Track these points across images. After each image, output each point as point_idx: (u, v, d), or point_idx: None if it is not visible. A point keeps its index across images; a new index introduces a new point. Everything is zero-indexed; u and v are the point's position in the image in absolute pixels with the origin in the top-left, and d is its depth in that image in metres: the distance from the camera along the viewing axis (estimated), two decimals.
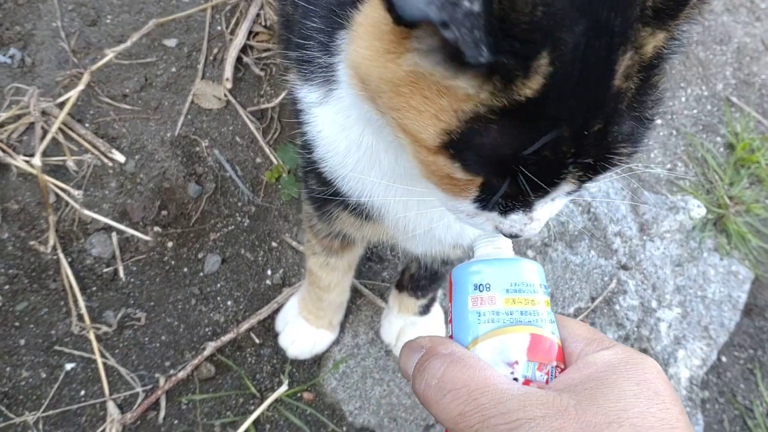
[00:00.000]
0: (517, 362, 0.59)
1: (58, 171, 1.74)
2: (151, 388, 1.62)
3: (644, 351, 1.82)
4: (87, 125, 1.79)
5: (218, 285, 1.74)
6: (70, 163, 1.73)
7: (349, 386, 1.67)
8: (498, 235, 0.75)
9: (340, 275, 1.47)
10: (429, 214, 0.99)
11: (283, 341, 1.66)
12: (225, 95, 1.87)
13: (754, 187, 2.15)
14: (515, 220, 0.73)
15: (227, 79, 1.85)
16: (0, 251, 1.67)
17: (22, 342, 1.62)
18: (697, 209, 2.01)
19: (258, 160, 1.86)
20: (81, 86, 1.74)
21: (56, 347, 1.62)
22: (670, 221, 1.99)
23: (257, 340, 1.69)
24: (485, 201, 0.71)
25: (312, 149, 0.97)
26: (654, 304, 1.89)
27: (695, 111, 2.23)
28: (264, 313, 1.71)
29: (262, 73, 1.92)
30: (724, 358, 1.92)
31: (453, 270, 0.67)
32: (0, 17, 1.85)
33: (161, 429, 1.59)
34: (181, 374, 1.61)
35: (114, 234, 1.72)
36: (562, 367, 0.61)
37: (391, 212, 1.01)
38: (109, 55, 1.77)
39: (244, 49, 1.92)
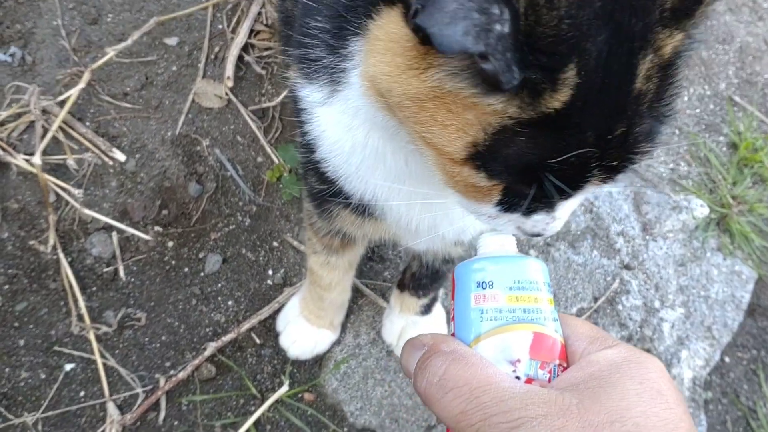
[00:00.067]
0: (519, 360, 0.58)
1: (58, 170, 1.73)
2: (152, 388, 1.61)
3: (647, 351, 1.80)
4: (87, 124, 1.78)
5: (219, 285, 1.74)
6: (71, 162, 1.72)
7: (350, 387, 1.66)
8: (501, 232, 0.75)
9: (341, 274, 1.47)
10: (432, 212, 0.98)
11: (284, 341, 1.66)
12: (226, 94, 1.86)
13: (757, 187, 2.15)
14: (538, 220, 0.74)
15: (228, 78, 1.84)
16: (0, 251, 1.66)
17: (22, 342, 1.61)
18: (700, 209, 2.00)
19: (259, 159, 1.85)
20: (81, 85, 1.74)
21: (56, 348, 1.62)
22: (673, 221, 1.98)
23: (258, 341, 1.69)
24: (508, 204, 0.72)
25: (313, 148, 0.97)
26: (657, 304, 1.88)
27: (698, 110, 2.22)
28: (265, 313, 1.70)
29: (263, 72, 1.91)
30: (727, 359, 1.92)
31: (456, 267, 0.66)
32: (0, 15, 1.85)
33: (161, 430, 1.58)
34: (182, 375, 1.61)
35: (114, 233, 1.71)
36: (565, 365, 0.60)
37: (393, 210, 1.00)
38: (110, 53, 1.77)
39: (246, 48, 1.92)
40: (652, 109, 0.66)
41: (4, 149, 1.69)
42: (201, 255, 1.75)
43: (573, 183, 0.67)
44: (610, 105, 0.62)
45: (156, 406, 1.59)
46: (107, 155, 1.76)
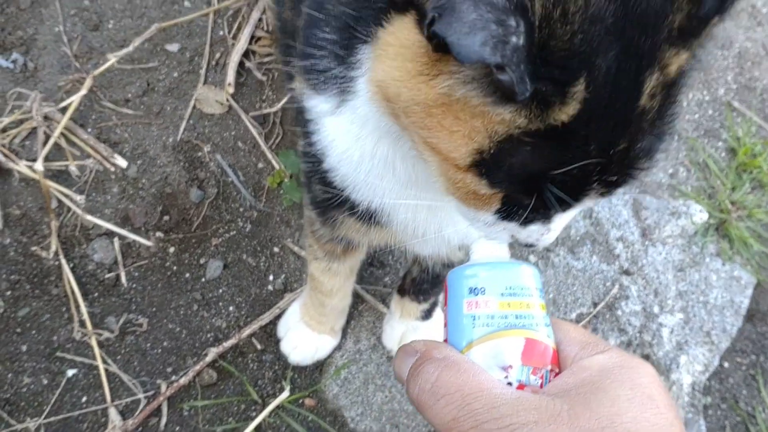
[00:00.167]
0: (511, 366, 0.59)
1: (60, 176, 1.74)
2: (153, 394, 1.62)
3: (646, 357, 1.82)
4: (89, 130, 1.79)
5: (220, 290, 1.74)
6: (73, 168, 1.73)
7: (351, 392, 1.67)
8: (496, 240, 0.76)
9: (342, 280, 1.47)
10: (439, 217, 0.99)
11: (285, 347, 1.66)
12: (227, 100, 1.87)
13: (756, 192, 2.15)
14: (533, 231, 0.75)
15: (229, 84, 1.85)
16: (2, 257, 1.67)
17: (24, 348, 1.62)
18: (699, 214, 2.00)
19: (260, 165, 1.86)
20: (83, 91, 1.75)
21: (58, 353, 1.63)
22: (672, 226, 1.99)
23: (259, 346, 1.69)
24: (505, 212, 0.73)
25: (320, 158, 0.97)
26: (656, 309, 1.89)
27: (697, 116, 2.22)
28: (266, 318, 1.71)
29: (264, 78, 1.92)
30: (726, 364, 1.92)
31: (448, 273, 0.66)
32: (2, 22, 1.86)
33: None
34: (183, 380, 1.61)
35: (116, 239, 1.72)
36: (557, 371, 0.61)
37: (400, 217, 1.01)
38: (112, 59, 1.78)
39: (247, 54, 1.92)
40: (653, 126, 0.67)
41: (6, 155, 1.70)
42: (202, 261, 1.76)
43: (572, 195, 0.68)
44: (616, 120, 0.63)
45: (157, 411, 1.60)
46: (109, 161, 1.77)
